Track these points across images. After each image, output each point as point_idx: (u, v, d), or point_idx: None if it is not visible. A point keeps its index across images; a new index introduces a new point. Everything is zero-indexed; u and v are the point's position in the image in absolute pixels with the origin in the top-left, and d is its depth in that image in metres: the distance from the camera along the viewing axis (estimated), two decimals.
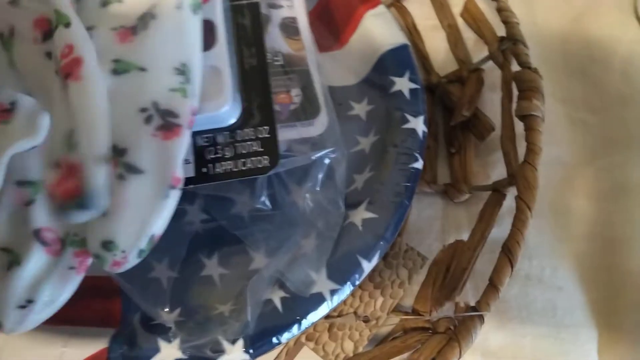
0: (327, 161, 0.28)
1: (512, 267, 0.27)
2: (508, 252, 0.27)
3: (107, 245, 0.20)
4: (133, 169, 0.21)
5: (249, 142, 0.26)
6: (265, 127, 0.26)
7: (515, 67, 0.32)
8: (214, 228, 0.28)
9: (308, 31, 0.31)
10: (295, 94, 0.28)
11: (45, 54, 0.22)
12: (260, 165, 0.25)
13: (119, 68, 0.22)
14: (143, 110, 0.22)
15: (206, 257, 0.28)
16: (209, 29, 0.26)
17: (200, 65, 0.24)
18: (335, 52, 0.35)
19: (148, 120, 0.22)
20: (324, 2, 0.36)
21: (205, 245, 0.28)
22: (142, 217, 0.21)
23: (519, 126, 0.30)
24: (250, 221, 0.28)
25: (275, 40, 0.29)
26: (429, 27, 0.40)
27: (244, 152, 0.25)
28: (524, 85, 0.31)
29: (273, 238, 0.27)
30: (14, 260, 0.21)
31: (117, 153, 0.21)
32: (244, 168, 0.25)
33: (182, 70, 0.23)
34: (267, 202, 0.27)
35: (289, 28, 0.30)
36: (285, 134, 0.27)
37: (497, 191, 0.32)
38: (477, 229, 0.31)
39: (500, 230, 0.30)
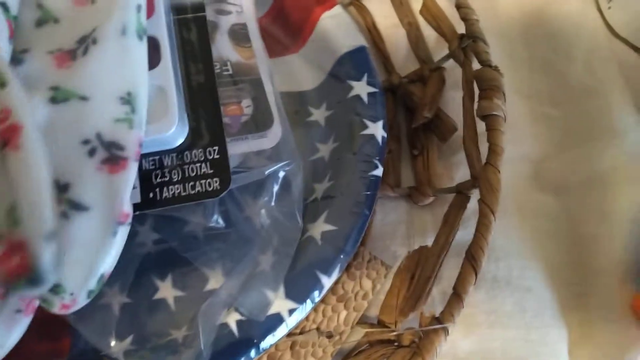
0: (282, 174, 0.26)
1: (476, 274, 0.26)
2: (472, 259, 0.26)
3: (55, 288, 0.19)
4: (77, 206, 0.20)
5: (197, 164, 0.24)
6: (215, 148, 0.25)
7: (477, 64, 0.32)
8: (167, 248, 0.27)
9: (259, 38, 0.29)
10: (246, 104, 0.27)
11: None
12: (210, 189, 0.24)
13: (58, 96, 0.21)
14: (86, 142, 0.20)
15: (159, 279, 0.27)
16: (153, 46, 0.25)
17: (146, 92, 0.23)
18: (292, 56, 0.34)
19: (92, 152, 0.20)
20: (278, 5, 0.35)
21: (158, 266, 0.27)
22: (89, 257, 0.20)
23: (482, 125, 0.30)
24: (204, 241, 0.26)
25: (224, 48, 0.28)
26: (389, 26, 0.39)
27: (192, 174, 0.24)
28: (484, 85, 0.30)
29: (228, 257, 0.26)
30: None
31: (60, 189, 0.20)
32: (192, 192, 0.24)
33: (128, 100, 0.22)
34: (220, 220, 0.26)
35: (239, 35, 0.29)
36: (237, 148, 0.26)
37: (461, 193, 0.31)
38: (442, 233, 0.30)
39: (466, 233, 0.29)
